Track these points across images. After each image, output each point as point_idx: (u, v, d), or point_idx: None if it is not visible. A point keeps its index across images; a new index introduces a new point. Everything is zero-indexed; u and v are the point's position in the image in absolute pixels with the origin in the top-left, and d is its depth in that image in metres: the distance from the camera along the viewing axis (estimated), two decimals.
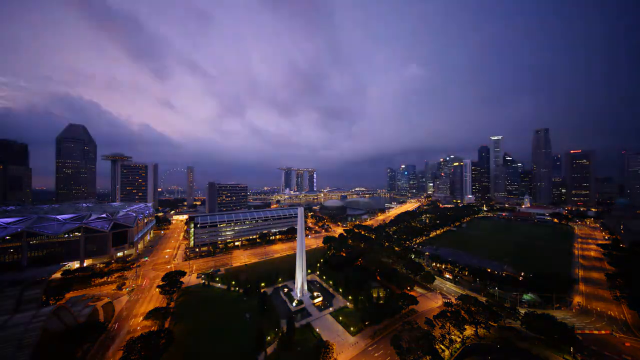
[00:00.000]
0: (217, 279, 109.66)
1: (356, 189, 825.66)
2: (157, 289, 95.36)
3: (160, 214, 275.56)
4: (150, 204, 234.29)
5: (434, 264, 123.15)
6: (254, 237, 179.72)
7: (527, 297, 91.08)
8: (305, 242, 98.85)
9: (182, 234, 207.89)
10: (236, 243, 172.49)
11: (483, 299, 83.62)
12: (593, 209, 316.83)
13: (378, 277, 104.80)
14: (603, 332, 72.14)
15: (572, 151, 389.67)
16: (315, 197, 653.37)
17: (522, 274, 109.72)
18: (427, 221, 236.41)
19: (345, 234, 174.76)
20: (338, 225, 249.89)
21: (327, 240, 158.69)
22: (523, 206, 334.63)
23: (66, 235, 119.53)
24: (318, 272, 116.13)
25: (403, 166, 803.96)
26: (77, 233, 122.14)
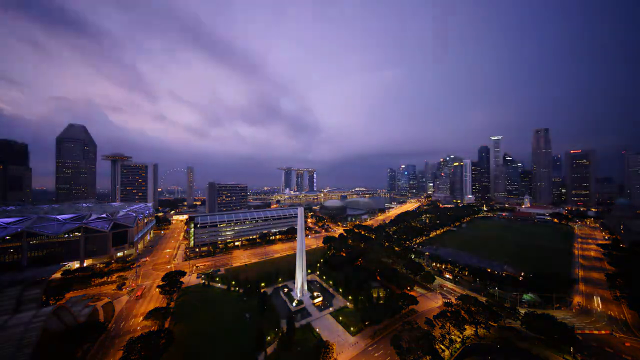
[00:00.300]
0: (217, 279, 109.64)
1: (356, 189, 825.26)
2: (157, 289, 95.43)
3: (160, 214, 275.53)
4: (150, 204, 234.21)
5: (434, 264, 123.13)
6: (254, 237, 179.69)
7: (527, 297, 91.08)
8: (305, 242, 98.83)
9: (182, 234, 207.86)
10: (236, 243, 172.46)
11: (483, 299, 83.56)
12: (593, 209, 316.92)
13: (378, 277, 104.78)
14: (603, 332, 72.14)
15: (572, 151, 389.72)
16: (315, 197, 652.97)
17: (522, 274, 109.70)
18: (427, 221, 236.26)
19: (345, 234, 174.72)
20: (338, 225, 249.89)
21: (327, 240, 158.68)
22: (523, 206, 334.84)
23: (66, 235, 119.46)
24: (318, 272, 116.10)
25: (403, 166, 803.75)
26: (77, 233, 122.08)
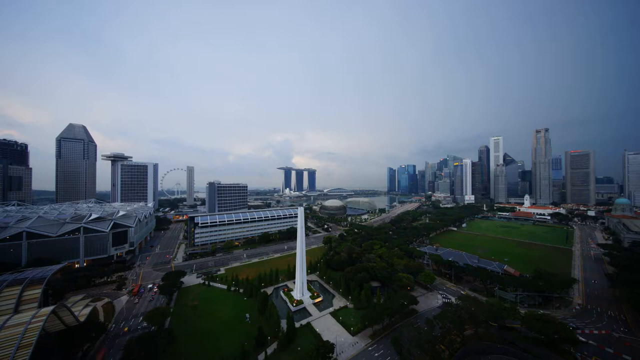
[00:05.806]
0: (217, 279, 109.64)
1: (356, 189, 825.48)
2: (157, 289, 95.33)
3: (160, 214, 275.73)
4: (150, 204, 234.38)
5: (434, 263, 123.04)
6: (254, 237, 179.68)
7: (527, 297, 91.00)
8: (305, 242, 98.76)
9: (182, 234, 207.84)
10: (236, 243, 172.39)
11: (483, 299, 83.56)
12: (593, 209, 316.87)
13: (378, 277, 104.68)
14: (603, 332, 72.11)
15: (572, 151, 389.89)
16: (316, 197, 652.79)
17: (522, 273, 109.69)
18: (427, 221, 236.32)
19: (345, 234, 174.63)
20: (338, 225, 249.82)
21: (327, 240, 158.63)
22: (523, 206, 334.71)
23: (66, 235, 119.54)
24: (318, 272, 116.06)
25: (403, 166, 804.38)
26: (76, 233, 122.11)
